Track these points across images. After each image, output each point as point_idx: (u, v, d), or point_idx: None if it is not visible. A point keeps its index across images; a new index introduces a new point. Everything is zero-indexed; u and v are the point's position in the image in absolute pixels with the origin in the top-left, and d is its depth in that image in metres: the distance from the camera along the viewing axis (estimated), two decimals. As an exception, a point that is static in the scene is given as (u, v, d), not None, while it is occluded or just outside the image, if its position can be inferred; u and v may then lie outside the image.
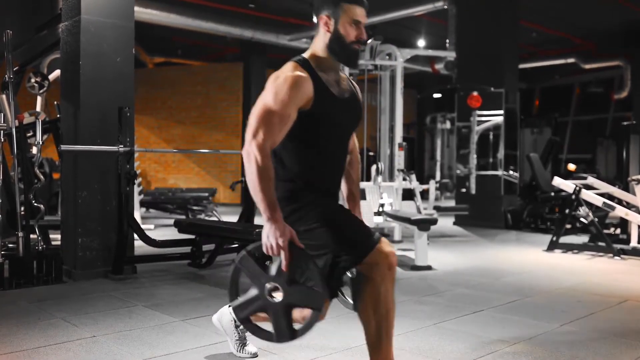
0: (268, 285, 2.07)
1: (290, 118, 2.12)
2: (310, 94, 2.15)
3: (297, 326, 2.11)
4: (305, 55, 2.27)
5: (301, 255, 2.04)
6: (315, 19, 2.28)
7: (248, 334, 2.75)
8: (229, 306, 2.15)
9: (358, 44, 2.24)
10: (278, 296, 2.06)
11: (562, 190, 7.16)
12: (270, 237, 2.01)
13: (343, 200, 2.56)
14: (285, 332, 2.09)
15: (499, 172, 9.67)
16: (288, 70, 2.16)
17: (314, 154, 2.25)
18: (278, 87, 2.11)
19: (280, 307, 2.06)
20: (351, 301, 2.36)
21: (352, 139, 2.52)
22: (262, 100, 2.12)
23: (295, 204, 2.20)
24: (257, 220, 6.17)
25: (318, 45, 2.26)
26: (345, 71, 2.65)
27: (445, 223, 9.47)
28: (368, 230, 2.19)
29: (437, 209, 9.08)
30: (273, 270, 2.07)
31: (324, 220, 2.16)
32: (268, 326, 2.13)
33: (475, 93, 9.53)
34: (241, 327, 2.70)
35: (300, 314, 2.21)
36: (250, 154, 2.03)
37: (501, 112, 9.61)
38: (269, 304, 2.08)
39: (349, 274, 2.33)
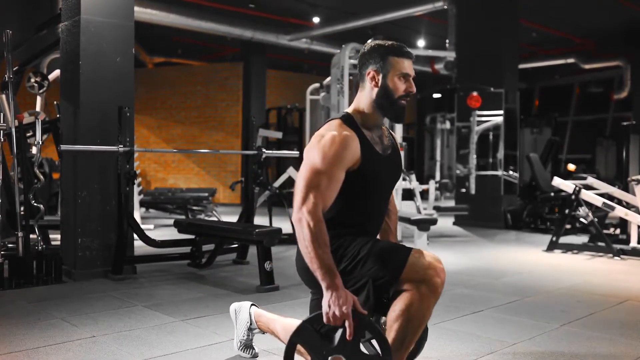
0: (331, 358, 1.95)
1: (339, 180, 2.06)
2: (357, 154, 2.10)
3: None
4: (349, 110, 2.22)
5: (366, 323, 1.95)
6: (361, 75, 2.23)
7: (255, 339, 2.73)
8: None
9: (406, 98, 2.19)
10: None
11: (562, 191, 7.16)
12: (332, 306, 1.90)
13: None
14: None
15: (499, 172, 9.67)
16: (333, 128, 2.10)
17: (358, 211, 2.20)
18: (325, 147, 2.04)
19: None
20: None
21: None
22: (310, 162, 2.04)
23: (337, 251, 2.12)
24: (257, 221, 6.18)
25: (364, 101, 2.21)
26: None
27: (445, 223, 9.47)
28: (397, 249, 2.12)
29: (437, 209, 9.09)
30: (336, 340, 1.94)
31: (361, 249, 2.10)
32: None
33: (475, 93, 9.53)
34: (254, 331, 2.69)
35: None
36: (302, 220, 1.96)
37: (501, 112, 9.61)
38: None
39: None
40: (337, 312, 1.90)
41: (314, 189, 2.00)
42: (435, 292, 2.04)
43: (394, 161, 2.29)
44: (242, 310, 2.73)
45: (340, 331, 1.93)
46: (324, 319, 1.93)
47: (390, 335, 2.04)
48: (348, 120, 2.17)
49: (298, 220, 1.98)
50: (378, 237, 2.40)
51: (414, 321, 2.02)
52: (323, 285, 1.92)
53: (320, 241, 1.94)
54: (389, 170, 2.26)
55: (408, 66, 2.19)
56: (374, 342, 2.24)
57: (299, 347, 2.06)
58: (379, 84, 2.17)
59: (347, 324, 1.90)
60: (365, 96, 2.20)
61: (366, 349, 2.26)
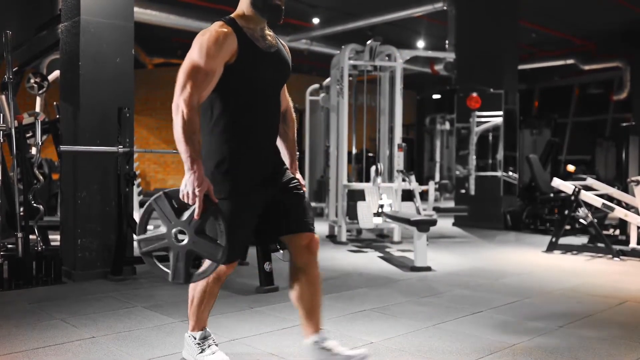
0: (176, 229, 2.22)
1: (216, 72, 2.24)
2: (234, 48, 2.27)
3: (193, 271, 2.28)
4: (233, 14, 2.39)
5: (213, 210, 2.20)
6: None
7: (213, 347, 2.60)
8: (136, 239, 2.36)
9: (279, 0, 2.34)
10: (183, 240, 2.22)
11: (562, 192, 7.16)
12: (188, 185, 2.15)
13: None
14: (181, 275, 2.27)
15: (499, 173, 9.68)
16: (213, 27, 2.28)
17: (242, 107, 2.35)
18: (203, 42, 2.23)
19: (182, 250, 2.23)
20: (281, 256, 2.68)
21: (285, 97, 2.62)
22: (189, 57, 2.24)
23: (218, 167, 2.33)
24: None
25: (243, 3, 2.39)
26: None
27: (445, 224, 9.47)
28: (245, 245, 2.47)
29: (437, 210, 9.07)
30: (185, 216, 2.20)
31: (225, 203, 2.29)
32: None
33: (474, 94, 9.53)
34: (199, 336, 2.56)
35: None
36: (179, 107, 2.19)
37: (500, 113, 9.62)
38: (173, 245, 2.24)
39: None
40: (190, 191, 2.15)
41: (191, 80, 2.20)
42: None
43: (277, 58, 2.43)
44: (186, 344, 2.63)
45: (190, 210, 2.19)
46: (180, 195, 2.19)
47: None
48: (229, 20, 2.35)
49: (175, 108, 2.20)
50: (279, 142, 2.58)
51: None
52: (186, 166, 2.15)
53: (191, 128, 2.16)
54: (271, 65, 2.40)
55: None
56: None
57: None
58: None
59: (197, 203, 2.15)
60: None
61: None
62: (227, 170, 2.34)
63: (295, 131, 2.70)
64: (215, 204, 2.20)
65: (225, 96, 2.32)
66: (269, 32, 2.44)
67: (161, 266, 2.33)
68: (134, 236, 2.40)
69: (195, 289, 2.52)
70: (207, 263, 2.27)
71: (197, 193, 2.14)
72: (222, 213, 2.21)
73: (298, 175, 2.59)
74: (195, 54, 2.23)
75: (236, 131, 2.34)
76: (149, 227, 2.39)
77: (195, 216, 2.17)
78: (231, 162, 2.34)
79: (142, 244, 2.31)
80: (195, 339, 2.59)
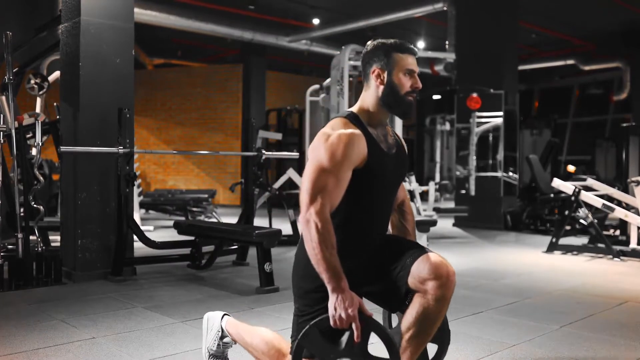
0: None
1: (346, 179, 2.03)
2: (364, 152, 2.06)
3: None
4: (354, 109, 2.19)
5: (373, 325, 1.93)
6: (365, 74, 2.20)
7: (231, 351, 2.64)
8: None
9: (413, 94, 2.16)
10: None
11: (562, 192, 7.16)
12: (339, 308, 1.88)
13: None
14: None
15: (499, 174, 9.68)
16: (339, 127, 2.06)
17: (361, 211, 2.16)
18: (332, 145, 2.00)
19: None
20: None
21: (403, 190, 2.45)
22: (316, 161, 2.00)
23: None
24: (257, 222, 6.19)
25: (369, 99, 2.17)
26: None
27: (445, 224, 9.47)
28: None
29: (437, 210, 9.10)
30: (343, 343, 1.92)
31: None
32: None
33: (474, 94, 9.53)
34: (224, 341, 2.57)
35: None
36: (310, 221, 1.93)
37: (500, 113, 9.62)
38: None
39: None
40: (343, 315, 1.88)
41: (321, 189, 1.96)
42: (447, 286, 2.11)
43: (399, 159, 2.26)
44: (215, 319, 2.63)
45: (347, 334, 1.91)
46: (331, 322, 1.90)
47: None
48: (353, 118, 2.14)
49: (306, 222, 1.94)
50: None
51: (425, 327, 2.08)
52: (329, 287, 1.90)
53: (327, 243, 1.91)
54: (394, 167, 2.22)
55: (412, 62, 2.18)
56: None
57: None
58: (385, 82, 2.14)
59: (354, 326, 1.88)
60: (371, 95, 2.17)
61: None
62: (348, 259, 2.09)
63: (415, 225, 2.52)
64: (371, 317, 1.93)
65: (346, 199, 2.08)
66: (389, 130, 2.27)
67: None
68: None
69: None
70: None
71: (350, 313, 1.87)
72: (380, 324, 1.97)
73: None
74: (323, 158, 1.98)
75: (351, 235, 2.16)
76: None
77: (356, 339, 1.89)
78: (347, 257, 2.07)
79: None
80: (222, 336, 2.55)
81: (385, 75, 2.15)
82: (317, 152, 2.01)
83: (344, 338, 1.92)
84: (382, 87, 2.15)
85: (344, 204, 2.08)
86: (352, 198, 2.10)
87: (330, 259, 1.91)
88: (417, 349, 2.08)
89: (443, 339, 2.28)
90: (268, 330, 2.47)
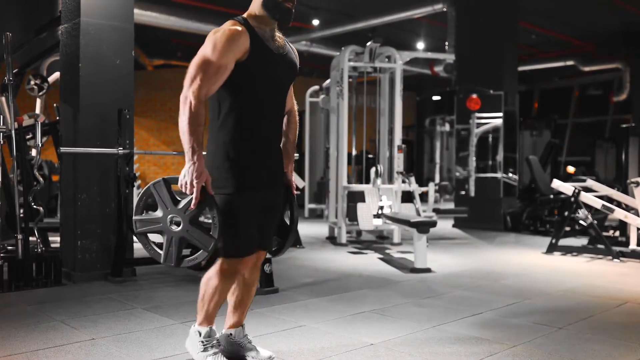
0: (171, 215, 2.32)
1: (226, 68, 2.29)
2: (246, 46, 2.32)
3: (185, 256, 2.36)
4: (245, 14, 2.44)
5: (210, 202, 2.27)
6: None
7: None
8: (133, 218, 2.42)
9: (290, 2, 2.40)
10: (177, 227, 2.31)
11: (561, 193, 7.17)
12: (187, 175, 2.22)
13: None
14: (173, 258, 2.36)
15: (498, 175, 9.68)
16: (226, 25, 2.35)
17: (249, 104, 2.39)
18: (216, 39, 2.29)
19: (176, 236, 2.32)
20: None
21: (290, 98, 2.66)
22: (201, 51, 2.29)
23: (225, 162, 2.38)
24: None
25: (254, 4, 2.43)
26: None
27: (445, 225, 9.47)
28: (253, 239, 2.47)
29: (437, 211, 9.08)
30: (181, 204, 2.30)
31: (225, 199, 2.35)
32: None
33: (474, 95, 9.54)
34: (204, 332, 2.56)
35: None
36: (187, 98, 2.24)
37: (500, 114, 9.62)
38: (167, 230, 2.34)
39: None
40: (189, 181, 2.22)
41: (201, 73, 2.25)
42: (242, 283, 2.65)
43: (286, 60, 2.48)
44: (192, 340, 2.63)
45: (187, 199, 2.27)
46: (178, 184, 2.26)
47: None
48: (241, 19, 2.40)
49: (183, 99, 2.25)
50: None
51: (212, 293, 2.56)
52: (187, 156, 2.21)
53: (196, 120, 2.23)
54: (280, 66, 2.45)
55: None
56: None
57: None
58: None
59: (194, 194, 2.22)
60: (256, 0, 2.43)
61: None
62: (234, 166, 2.38)
63: (297, 133, 2.75)
64: (212, 196, 2.27)
65: (233, 93, 2.37)
66: (278, 34, 2.49)
67: (155, 247, 2.41)
68: (134, 216, 2.45)
69: (207, 283, 2.57)
70: (199, 252, 2.35)
71: (195, 184, 2.21)
72: (218, 206, 2.29)
73: (290, 171, 2.68)
74: (207, 49, 2.28)
75: (243, 128, 2.40)
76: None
77: (192, 206, 2.25)
78: (238, 159, 2.39)
79: (138, 224, 2.39)
80: (200, 335, 2.59)
81: None
82: (204, 45, 2.31)
83: (184, 201, 2.30)
84: None
85: (231, 94, 2.37)
86: (240, 89, 2.37)
87: (195, 133, 2.23)
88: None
89: (288, 234, 2.70)
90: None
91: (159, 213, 2.35)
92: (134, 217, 2.42)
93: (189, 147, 2.22)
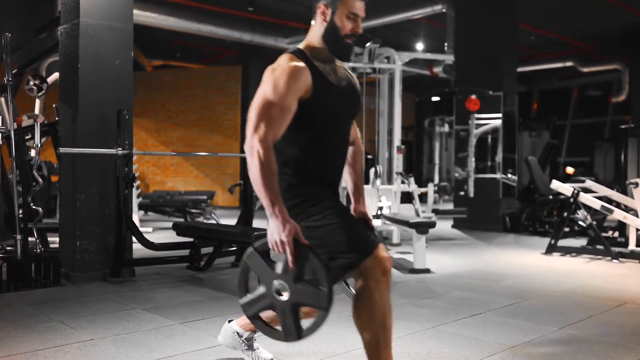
0: (275, 283, 2.03)
1: (290, 109, 2.10)
2: (308, 83, 2.14)
3: (305, 325, 2.06)
4: (301, 46, 2.26)
5: (307, 253, 1.99)
6: (313, 8, 2.27)
7: (258, 339, 2.71)
8: (240, 303, 2.14)
9: (352, 37, 2.23)
10: (285, 294, 2.02)
11: (561, 194, 7.17)
12: (274, 233, 1.97)
13: (346, 194, 2.56)
14: (293, 332, 2.05)
15: (498, 175, 9.68)
16: (284, 61, 2.15)
17: (314, 143, 2.22)
18: (276, 78, 2.09)
19: (287, 305, 2.02)
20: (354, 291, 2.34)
21: (354, 130, 2.49)
22: (261, 93, 2.10)
23: (295, 199, 2.17)
24: (256, 223, 6.18)
25: (314, 35, 2.25)
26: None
27: (444, 226, 9.47)
28: (367, 234, 2.18)
29: (436, 212, 9.08)
30: (279, 267, 2.02)
31: (323, 218, 2.13)
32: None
33: (473, 96, 9.54)
34: (246, 336, 2.66)
35: (308, 310, 2.14)
36: (253, 148, 2.00)
37: (499, 115, 9.63)
38: (276, 301, 2.04)
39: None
40: (278, 239, 1.96)
41: (265, 118, 2.04)
42: (387, 274, 2.12)
43: (349, 93, 2.31)
44: (224, 331, 2.70)
45: (283, 259, 2.00)
46: (269, 245, 2.00)
47: (366, 340, 2.17)
48: (299, 53, 2.21)
49: (250, 149, 2.02)
50: (346, 175, 2.49)
51: (376, 313, 2.12)
52: (268, 212, 1.98)
53: (268, 170, 1.99)
54: (344, 100, 2.28)
55: (359, 7, 2.22)
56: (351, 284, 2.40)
57: (267, 315, 2.16)
58: (327, 19, 2.21)
59: (288, 251, 1.96)
60: (316, 30, 2.24)
61: (344, 291, 2.48)
62: (302, 199, 2.18)
63: (363, 165, 2.58)
64: (307, 245, 1.99)
65: (296, 132, 2.17)
66: (338, 65, 2.33)
67: (271, 328, 2.15)
68: (240, 300, 2.13)
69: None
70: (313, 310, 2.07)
71: (284, 239, 1.95)
72: (317, 253, 2.01)
73: (362, 205, 2.49)
74: (268, 90, 2.08)
75: (308, 166, 2.22)
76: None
77: (290, 264, 1.98)
78: (303, 191, 2.20)
79: (247, 307, 2.12)
80: (240, 337, 2.64)
81: (329, 13, 2.20)
82: (263, 85, 2.11)
83: (280, 263, 2.02)
84: (324, 24, 2.21)
85: (296, 135, 2.17)
86: (304, 128, 2.18)
87: (269, 185, 1.99)
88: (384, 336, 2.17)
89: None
90: None
91: (262, 288, 2.08)
92: (240, 302, 2.13)
93: (267, 202, 1.98)
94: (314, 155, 2.23)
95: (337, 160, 2.33)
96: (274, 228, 1.97)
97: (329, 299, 1.97)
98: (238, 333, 2.66)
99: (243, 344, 2.67)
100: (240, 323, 2.66)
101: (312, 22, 2.26)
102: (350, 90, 2.32)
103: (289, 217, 1.99)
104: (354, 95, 2.34)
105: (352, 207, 2.50)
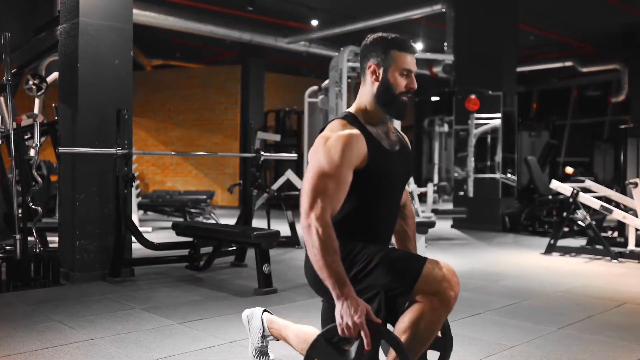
0: None
1: (347, 181, 1.97)
2: (364, 151, 2.01)
3: None
4: (351, 109, 2.15)
5: (381, 331, 1.86)
6: (362, 68, 2.14)
7: (270, 345, 2.70)
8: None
9: (407, 94, 2.11)
10: None
11: (560, 194, 7.17)
12: (345, 316, 1.81)
13: None
14: None
15: (497, 175, 9.68)
16: (337, 127, 2.02)
17: (368, 212, 2.10)
18: (330, 148, 1.95)
19: None
20: None
21: (406, 193, 2.37)
22: (315, 165, 1.96)
23: (348, 257, 2.04)
24: (255, 223, 6.18)
25: (365, 96, 2.13)
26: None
27: (443, 226, 9.47)
28: (416, 256, 2.05)
29: (435, 211, 9.08)
30: (353, 352, 1.85)
31: (373, 258, 2.01)
32: None
33: (473, 96, 9.54)
34: (267, 338, 2.63)
35: None
36: (311, 226, 1.87)
37: (499, 115, 9.62)
38: None
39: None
40: (350, 323, 1.80)
41: (321, 193, 1.90)
42: (448, 305, 1.94)
43: (403, 157, 2.20)
44: (255, 316, 2.66)
45: (357, 342, 1.84)
46: (339, 331, 1.84)
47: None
48: (351, 118, 2.09)
49: (307, 227, 1.88)
50: (394, 242, 2.36)
51: (422, 333, 1.94)
52: (334, 294, 1.83)
53: (329, 248, 1.85)
54: (398, 165, 2.16)
55: (411, 61, 2.10)
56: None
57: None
58: (380, 79, 2.09)
59: (362, 333, 1.80)
60: (367, 91, 2.13)
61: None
62: (356, 258, 2.05)
63: (414, 229, 2.45)
64: (379, 323, 1.85)
65: (350, 202, 2.04)
66: (391, 127, 2.23)
67: None
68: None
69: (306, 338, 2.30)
70: None
71: (357, 321, 1.79)
72: (390, 332, 1.90)
73: None
74: (322, 161, 1.94)
75: (360, 232, 2.11)
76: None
77: (366, 347, 1.81)
78: (357, 251, 2.07)
79: None
80: (263, 332, 2.61)
81: (381, 72, 2.09)
82: (316, 155, 1.97)
83: (354, 347, 1.86)
84: (377, 84, 2.10)
85: (349, 208, 2.04)
86: (357, 201, 2.05)
87: (332, 265, 1.84)
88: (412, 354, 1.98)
89: (445, 346, 2.22)
90: (303, 325, 2.46)
91: None
92: None
93: (332, 283, 1.83)
94: (368, 223, 2.12)
95: (388, 227, 2.22)
96: (343, 311, 1.81)
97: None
98: (264, 328, 2.60)
99: (258, 342, 2.62)
100: (270, 323, 2.59)
101: (362, 84, 2.14)
102: (403, 153, 2.21)
103: (356, 296, 1.84)
104: (407, 159, 2.23)
105: None
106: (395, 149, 2.16)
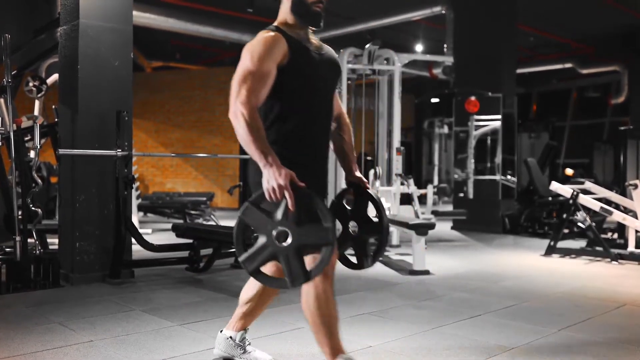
0: (275, 231, 2.03)
1: (269, 75, 2.18)
2: (285, 49, 2.22)
3: (310, 267, 2.08)
4: (275, 23, 2.36)
5: (304, 194, 2.03)
6: None
7: (254, 344, 2.71)
8: (240, 260, 2.10)
9: (319, 4, 2.31)
10: (287, 240, 2.03)
11: (560, 195, 7.17)
12: (270, 180, 2.00)
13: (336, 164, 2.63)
14: (300, 275, 2.05)
15: (497, 177, 9.69)
16: (259, 34, 2.26)
17: (298, 107, 2.28)
18: (253, 48, 2.19)
19: (291, 250, 2.02)
20: (354, 260, 2.56)
21: (337, 102, 2.54)
22: (240, 65, 2.18)
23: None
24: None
25: (283, 12, 2.36)
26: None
27: (443, 227, 9.47)
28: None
29: (435, 213, 9.08)
30: (279, 214, 2.02)
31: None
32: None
33: (472, 98, 9.55)
34: (238, 338, 2.65)
35: (310, 258, 2.16)
36: (237, 112, 2.09)
37: (499, 116, 9.63)
38: (278, 249, 2.03)
39: (351, 231, 2.52)
40: (275, 185, 1.99)
41: (244, 84, 2.12)
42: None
43: (326, 60, 2.38)
44: (218, 340, 2.74)
45: (282, 205, 2.01)
46: (266, 195, 2.02)
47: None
48: (274, 27, 2.31)
49: (233, 114, 2.10)
50: (334, 147, 2.55)
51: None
52: (261, 165, 2.03)
53: (254, 127, 2.06)
54: (322, 66, 2.35)
55: None
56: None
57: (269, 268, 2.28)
58: None
59: (287, 194, 1.99)
60: (284, 7, 2.35)
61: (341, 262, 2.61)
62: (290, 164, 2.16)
63: (351, 135, 2.61)
64: (304, 186, 2.03)
65: (278, 100, 2.25)
66: (312, 37, 2.40)
67: (275, 278, 2.21)
68: (240, 257, 2.09)
69: (255, 290, 2.55)
70: (320, 253, 2.08)
71: (282, 183, 1.98)
72: (314, 193, 2.05)
73: (358, 174, 2.53)
74: (246, 61, 2.17)
75: (292, 135, 2.28)
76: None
77: (290, 207, 1.99)
78: (292, 161, 2.19)
79: (247, 263, 2.08)
80: (234, 340, 2.66)
81: None
82: (242, 60, 2.19)
83: (280, 210, 2.02)
84: None
85: (278, 102, 2.25)
86: (286, 95, 2.25)
87: (258, 139, 2.05)
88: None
89: (381, 229, 2.51)
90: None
91: (262, 239, 2.05)
92: (240, 259, 2.09)
93: (259, 153, 2.03)
94: (298, 123, 2.28)
95: (321, 130, 2.39)
96: (269, 176, 2.00)
97: (333, 233, 2.02)
98: (231, 337, 2.67)
99: (238, 348, 2.67)
100: (229, 326, 2.69)
101: (281, 2, 2.37)
102: (327, 57, 2.40)
103: (281, 164, 2.02)
104: (331, 62, 2.41)
105: (345, 177, 2.57)
106: (320, 52, 2.37)
